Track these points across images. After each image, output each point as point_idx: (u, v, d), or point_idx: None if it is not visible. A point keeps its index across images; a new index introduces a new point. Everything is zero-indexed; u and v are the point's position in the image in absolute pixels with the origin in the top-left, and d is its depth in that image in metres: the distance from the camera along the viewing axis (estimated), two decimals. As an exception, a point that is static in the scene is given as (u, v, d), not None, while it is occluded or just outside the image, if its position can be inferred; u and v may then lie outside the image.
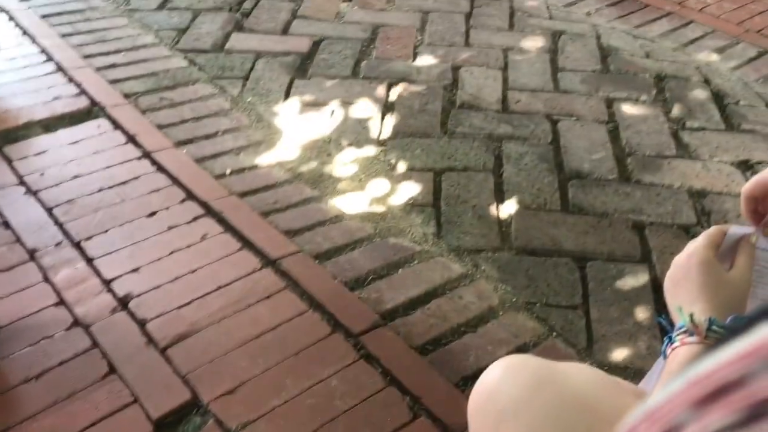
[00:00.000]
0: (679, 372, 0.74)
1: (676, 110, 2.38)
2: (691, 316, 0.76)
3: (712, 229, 0.86)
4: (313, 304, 1.59)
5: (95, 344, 1.47)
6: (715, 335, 0.74)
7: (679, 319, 0.79)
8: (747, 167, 2.13)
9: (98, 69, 2.46)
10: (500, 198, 1.97)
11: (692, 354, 0.74)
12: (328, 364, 1.45)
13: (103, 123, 2.19)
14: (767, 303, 0.26)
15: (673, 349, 0.77)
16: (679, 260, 0.83)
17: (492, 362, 0.90)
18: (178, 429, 1.32)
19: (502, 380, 0.84)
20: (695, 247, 0.82)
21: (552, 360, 0.89)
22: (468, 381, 1.43)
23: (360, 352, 1.47)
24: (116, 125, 2.18)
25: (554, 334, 1.56)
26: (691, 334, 0.76)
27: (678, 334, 0.77)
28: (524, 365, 0.85)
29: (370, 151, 2.15)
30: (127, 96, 2.33)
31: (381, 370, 1.44)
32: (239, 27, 2.80)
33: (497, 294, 1.66)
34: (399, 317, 1.58)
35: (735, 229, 0.87)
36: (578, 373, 0.85)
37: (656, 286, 1.68)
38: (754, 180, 0.85)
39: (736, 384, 0.23)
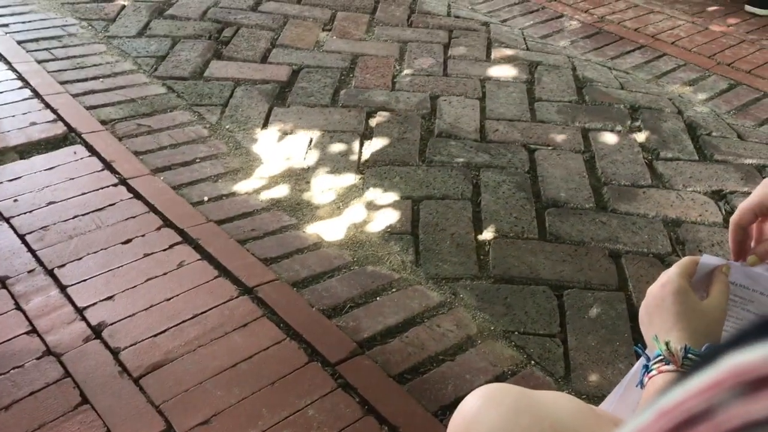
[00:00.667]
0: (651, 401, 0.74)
1: (650, 140, 2.42)
2: (667, 344, 0.77)
3: (685, 259, 0.87)
4: (290, 333, 1.57)
5: (67, 374, 1.44)
6: (691, 363, 0.75)
7: (655, 348, 0.79)
8: (720, 197, 2.17)
9: (75, 95, 2.44)
10: (478, 226, 1.98)
11: (669, 382, 0.75)
12: (305, 393, 1.43)
13: (79, 149, 2.17)
14: (733, 335, 0.27)
15: (650, 378, 0.77)
16: (654, 290, 0.84)
17: (470, 391, 0.89)
18: (150, 461, 1.29)
19: (481, 410, 0.83)
20: (669, 276, 0.83)
21: (530, 389, 0.89)
22: (446, 410, 1.42)
23: (337, 381, 1.46)
24: (92, 152, 2.16)
25: (532, 362, 1.56)
26: (668, 363, 0.76)
27: (654, 363, 0.78)
28: (502, 394, 0.84)
29: (349, 179, 2.16)
30: (104, 122, 2.32)
31: (358, 399, 1.42)
32: (218, 55, 2.81)
33: (475, 322, 1.65)
34: (377, 346, 1.57)
35: (707, 259, 0.88)
36: (556, 401, 0.85)
37: (633, 314, 1.69)
38: (740, 208, 0.86)
39: (703, 415, 0.24)
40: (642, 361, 0.84)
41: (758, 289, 0.89)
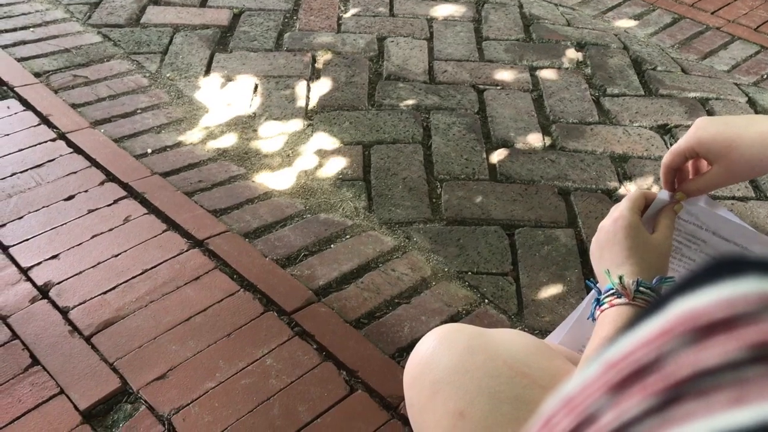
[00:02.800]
0: (604, 340, 0.75)
1: (597, 77, 2.43)
2: (621, 278, 0.78)
3: (635, 193, 0.88)
4: (244, 284, 1.56)
5: (15, 336, 1.41)
6: (642, 296, 0.76)
7: (607, 282, 0.81)
8: (665, 131, 2.20)
9: (4, 46, 2.32)
10: (430, 169, 1.98)
11: (620, 315, 0.76)
12: (262, 343, 1.42)
13: (12, 104, 2.07)
14: (682, 278, 0.25)
15: (602, 311, 0.79)
16: (605, 225, 0.85)
17: (426, 332, 0.90)
18: (108, 418, 1.28)
19: (436, 350, 0.84)
20: (620, 211, 0.84)
21: (485, 327, 0.90)
22: (403, 352, 1.44)
23: (294, 330, 1.46)
24: (27, 106, 2.07)
25: (486, 301, 1.58)
26: (620, 296, 0.77)
27: (606, 296, 0.79)
28: (456, 335, 0.85)
29: (297, 125, 2.12)
30: (37, 75, 2.21)
31: (316, 346, 1.43)
32: (155, 0, 2.69)
33: (429, 265, 1.67)
34: (332, 293, 1.57)
35: (663, 195, 0.90)
36: (509, 339, 0.86)
37: (583, 250, 1.73)
38: (671, 151, 0.87)
39: (652, 366, 0.22)
40: (593, 294, 0.85)
41: (711, 229, 0.90)
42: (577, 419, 0.23)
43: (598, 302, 0.81)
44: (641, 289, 0.76)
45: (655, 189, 1.94)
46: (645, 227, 0.85)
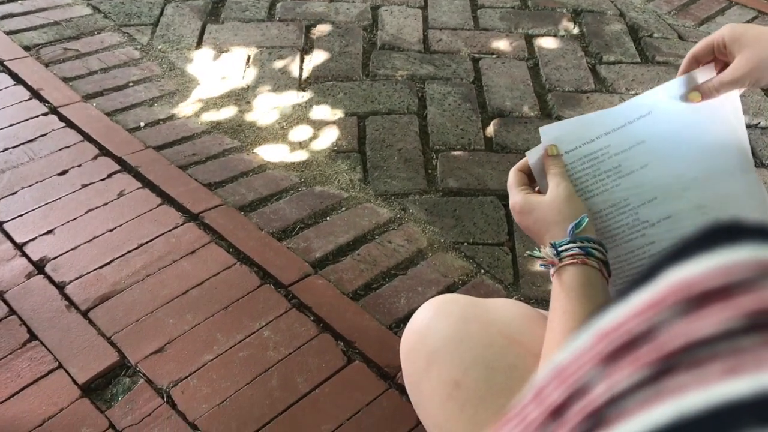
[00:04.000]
0: (564, 312, 0.74)
1: (593, 44, 2.41)
2: (533, 254, 0.79)
3: (510, 175, 0.88)
4: (240, 257, 1.56)
5: (12, 311, 1.41)
6: (566, 253, 0.76)
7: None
8: (661, 99, 2.19)
9: (-7, 19, 2.29)
10: (425, 140, 1.96)
11: (558, 281, 0.76)
12: (260, 315, 1.43)
13: (2, 78, 2.05)
14: (674, 246, 0.24)
15: (552, 283, 0.78)
16: (515, 219, 0.85)
17: (423, 303, 0.90)
18: (106, 392, 1.29)
19: (432, 320, 0.84)
20: (513, 198, 0.84)
21: (481, 297, 0.90)
22: (400, 323, 1.44)
23: (291, 302, 1.46)
24: (18, 80, 2.05)
25: (482, 271, 1.59)
26: (550, 267, 0.78)
27: (549, 271, 0.79)
28: (452, 305, 0.85)
29: (291, 97, 2.10)
30: (27, 48, 2.18)
31: (313, 318, 1.43)
32: (145, -30, 2.65)
33: (425, 236, 1.66)
34: (329, 265, 1.57)
35: (532, 154, 0.88)
36: (504, 308, 0.86)
37: (578, 219, 1.72)
38: (703, 42, 0.85)
39: (644, 337, 0.22)
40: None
41: (609, 136, 0.85)
42: (568, 390, 0.23)
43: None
44: (560, 248, 0.76)
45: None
46: (543, 189, 0.84)
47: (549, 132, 0.87)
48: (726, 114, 0.85)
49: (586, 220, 0.78)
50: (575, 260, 0.75)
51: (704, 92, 0.84)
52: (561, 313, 0.73)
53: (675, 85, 0.86)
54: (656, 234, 0.84)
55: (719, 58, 0.85)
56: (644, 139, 0.84)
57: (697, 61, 0.86)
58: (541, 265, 0.80)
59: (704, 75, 0.85)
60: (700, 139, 0.84)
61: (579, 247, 0.75)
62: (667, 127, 0.84)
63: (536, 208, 0.81)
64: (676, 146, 0.84)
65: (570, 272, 0.75)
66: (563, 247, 0.76)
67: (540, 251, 0.79)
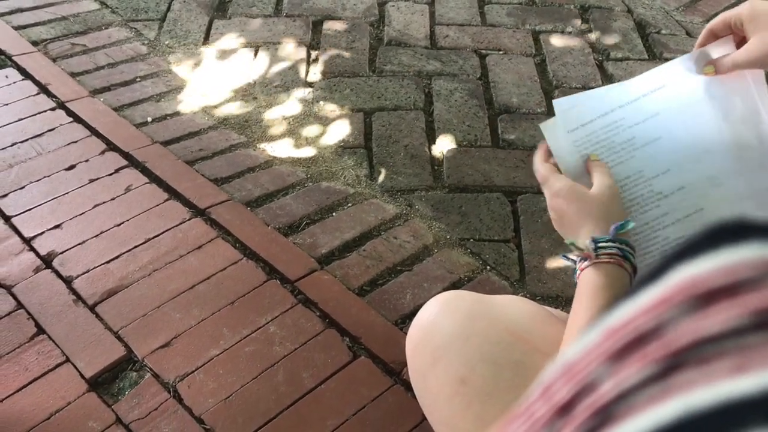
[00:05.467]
0: (588, 308, 0.74)
1: (600, 41, 2.40)
2: (573, 244, 0.78)
3: (540, 161, 0.88)
4: (246, 252, 1.56)
5: (20, 305, 1.42)
6: (604, 250, 0.76)
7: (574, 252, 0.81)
8: (669, 96, 2.18)
9: (1, 15, 2.29)
10: (431, 136, 1.96)
11: (592, 276, 0.76)
12: (266, 310, 1.43)
13: (11, 73, 2.06)
14: (682, 245, 0.24)
15: (579, 277, 0.79)
16: (550, 206, 0.84)
17: (428, 299, 0.90)
18: (113, 386, 1.30)
19: (438, 317, 0.84)
20: (550, 185, 0.83)
21: (487, 294, 0.90)
22: (406, 319, 1.44)
23: (297, 298, 1.47)
24: (26, 75, 2.05)
25: (488, 267, 1.59)
26: (585, 260, 0.77)
27: (578, 264, 0.79)
28: (458, 301, 0.85)
29: (298, 92, 2.10)
30: (35, 43, 2.19)
31: (319, 313, 1.44)
32: (152, -35, 2.65)
33: (431, 232, 1.66)
34: (335, 261, 1.57)
35: (547, 127, 0.87)
36: (511, 305, 0.86)
37: (585, 216, 1.72)
38: (721, 17, 0.85)
39: (652, 334, 0.22)
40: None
41: (624, 138, 0.85)
42: (576, 387, 0.23)
43: (575, 271, 0.80)
44: (600, 244, 0.76)
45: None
46: (580, 176, 0.84)
47: (563, 104, 0.87)
48: (745, 88, 0.84)
49: (632, 224, 0.78)
50: (612, 260, 0.75)
51: (718, 67, 0.83)
52: (586, 308, 0.73)
53: (690, 59, 0.86)
54: (670, 204, 0.84)
55: (737, 33, 0.85)
56: (658, 112, 0.84)
57: (714, 35, 0.86)
58: (565, 257, 0.80)
59: (720, 49, 0.84)
60: (713, 112, 0.84)
61: (618, 248, 0.75)
62: (681, 100, 0.85)
63: (581, 199, 0.80)
64: (689, 119, 0.84)
65: (604, 270, 0.75)
66: (603, 244, 0.76)
67: (575, 247, 0.79)
